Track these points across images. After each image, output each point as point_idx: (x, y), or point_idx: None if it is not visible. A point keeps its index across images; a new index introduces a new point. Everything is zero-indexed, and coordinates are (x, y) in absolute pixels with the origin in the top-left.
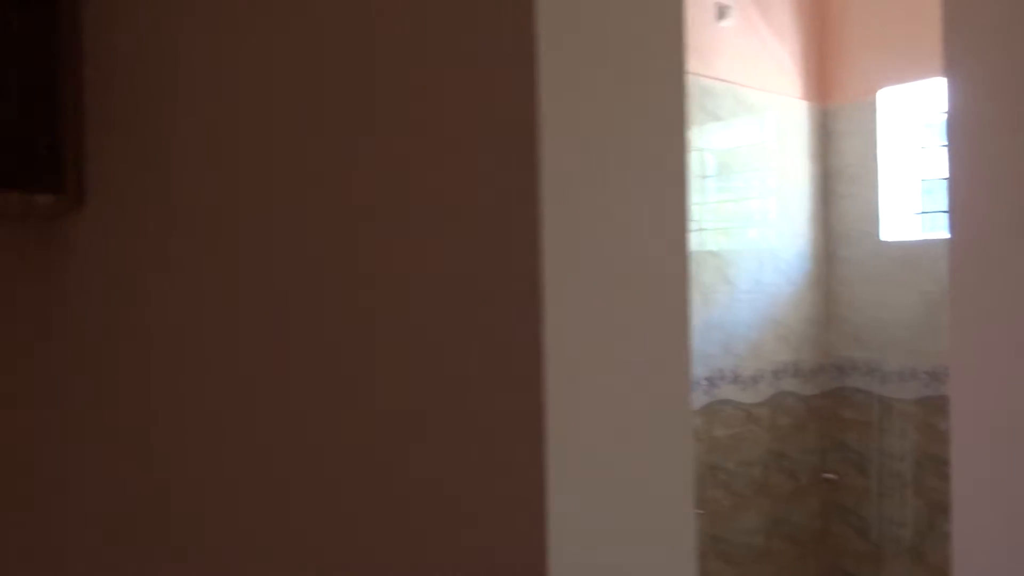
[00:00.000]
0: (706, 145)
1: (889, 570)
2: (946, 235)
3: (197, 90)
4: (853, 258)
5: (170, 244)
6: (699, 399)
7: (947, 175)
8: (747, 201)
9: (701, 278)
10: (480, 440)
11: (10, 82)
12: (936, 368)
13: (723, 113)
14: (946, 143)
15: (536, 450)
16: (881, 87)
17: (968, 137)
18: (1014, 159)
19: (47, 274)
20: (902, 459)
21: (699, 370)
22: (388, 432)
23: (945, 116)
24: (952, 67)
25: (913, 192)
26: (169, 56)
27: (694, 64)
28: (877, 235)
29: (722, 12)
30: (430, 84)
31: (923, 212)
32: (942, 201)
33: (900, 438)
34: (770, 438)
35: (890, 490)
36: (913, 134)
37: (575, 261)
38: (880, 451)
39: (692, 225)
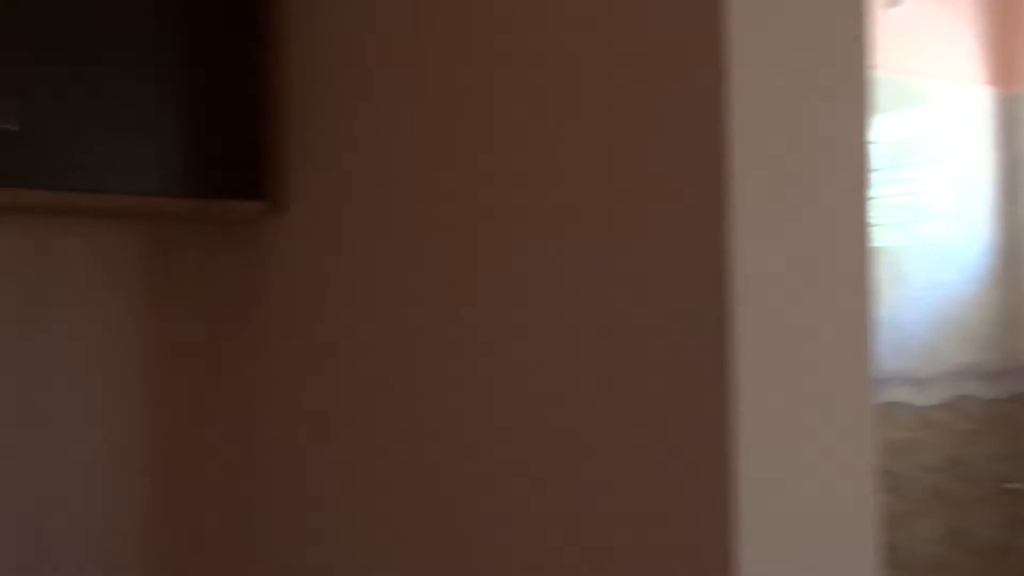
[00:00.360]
0: (876, 137)
1: None
2: None
3: (398, 97)
4: None
5: (370, 245)
6: None
7: None
8: (921, 194)
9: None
10: (671, 442)
11: (215, 95)
12: None
13: (894, 103)
14: None
15: (726, 451)
16: None
17: None
18: None
19: (250, 274)
20: None
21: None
22: (598, 433)
23: None
24: None
25: None
26: (369, 65)
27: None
28: None
29: None
30: (629, 86)
31: None
32: None
33: None
34: (948, 444)
35: None
36: None
37: (763, 260)
38: None
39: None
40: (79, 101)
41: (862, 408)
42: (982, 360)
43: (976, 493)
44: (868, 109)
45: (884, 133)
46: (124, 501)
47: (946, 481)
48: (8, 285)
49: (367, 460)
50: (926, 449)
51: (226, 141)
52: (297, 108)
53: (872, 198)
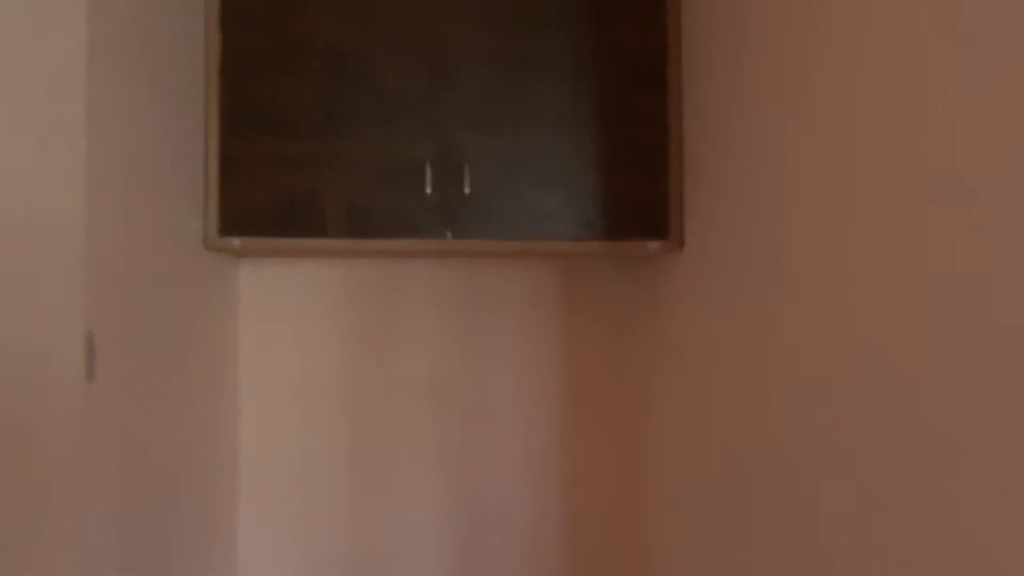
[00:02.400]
0: None
1: None
2: None
3: (786, 149)
4: None
5: (757, 279)
6: None
7: None
8: None
9: None
10: None
11: (624, 149)
12: None
13: None
14: None
15: None
16: None
17: None
18: None
19: (650, 299)
20: None
21: None
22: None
23: None
24: None
25: None
26: (762, 118)
27: None
28: None
29: None
30: None
31: None
32: None
33: None
34: None
35: None
36: None
37: None
38: None
39: None
40: (516, 166)
41: None
42: None
43: None
44: None
45: None
46: (543, 488)
47: None
48: (460, 310)
49: (749, 486)
50: None
51: (633, 189)
52: (693, 157)
53: None
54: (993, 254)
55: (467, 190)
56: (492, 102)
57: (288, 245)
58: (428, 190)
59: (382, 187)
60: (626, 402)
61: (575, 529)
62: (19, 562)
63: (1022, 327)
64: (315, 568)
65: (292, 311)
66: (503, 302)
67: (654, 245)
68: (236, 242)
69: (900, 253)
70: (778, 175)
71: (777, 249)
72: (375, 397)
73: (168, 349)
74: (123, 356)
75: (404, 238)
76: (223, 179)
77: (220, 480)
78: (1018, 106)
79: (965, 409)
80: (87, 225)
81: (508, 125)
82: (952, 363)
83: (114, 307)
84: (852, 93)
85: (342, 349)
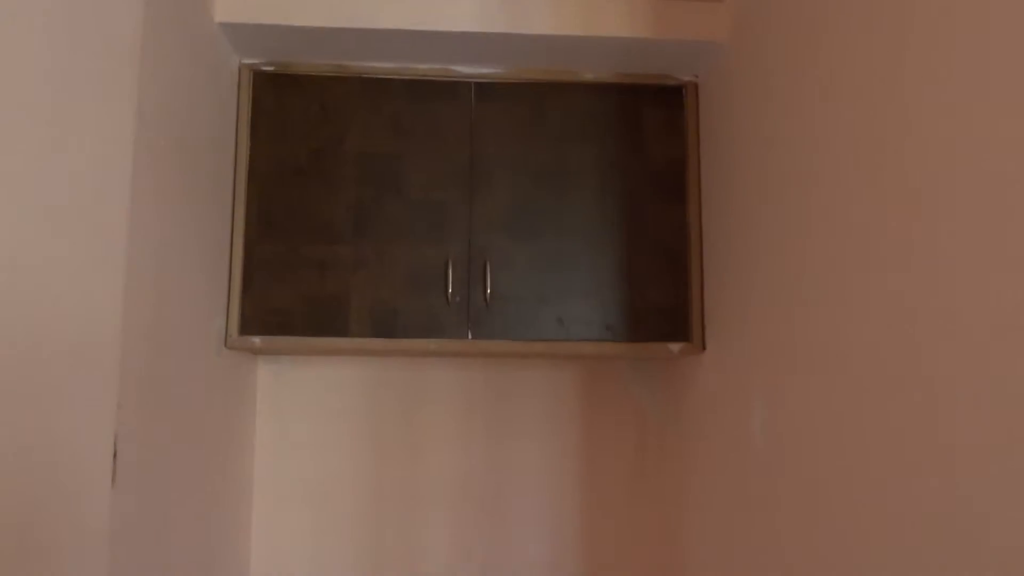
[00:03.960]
0: None
1: None
2: None
3: (798, 263)
4: None
5: (776, 384)
6: None
7: None
8: None
9: None
10: None
11: (647, 255)
12: None
13: None
14: None
15: None
16: None
17: None
18: None
19: (672, 399)
20: None
21: None
22: None
23: None
24: None
25: None
26: (773, 230)
27: None
28: None
29: None
30: None
31: None
32: None
33: None
34: None
35: None
36: None
37: None
38: None
39: None
40: (540, 270)
41: None
42: None
43: None
44: None
45: None
46: (561, 571)
47: None
48: (486, 407)
49: None
50: None
51: (655, 294)
52: (713, 263)
53: None
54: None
55: (489, 292)
56: (519, 210)
57: (307, 344)
58: (450, 291)
59: (407, 289)
60: (650, 505)
61: None
62: None
63: None
64: None
65: (310, 410)
66: (525, 406)
67: (676, 347)
68: (256, 341)
69: (916, 349)
70: (794, 278)
71: (792, 350)
72: (392, 500)
73: (187, 449)
74: (143, 459)
75: (427, 338)
76: (246, 280)
77: None
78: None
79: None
80: (122, 329)
81: (534, 232)
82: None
83: (139, 410)
84: (854, 198)
85: (359, 450)
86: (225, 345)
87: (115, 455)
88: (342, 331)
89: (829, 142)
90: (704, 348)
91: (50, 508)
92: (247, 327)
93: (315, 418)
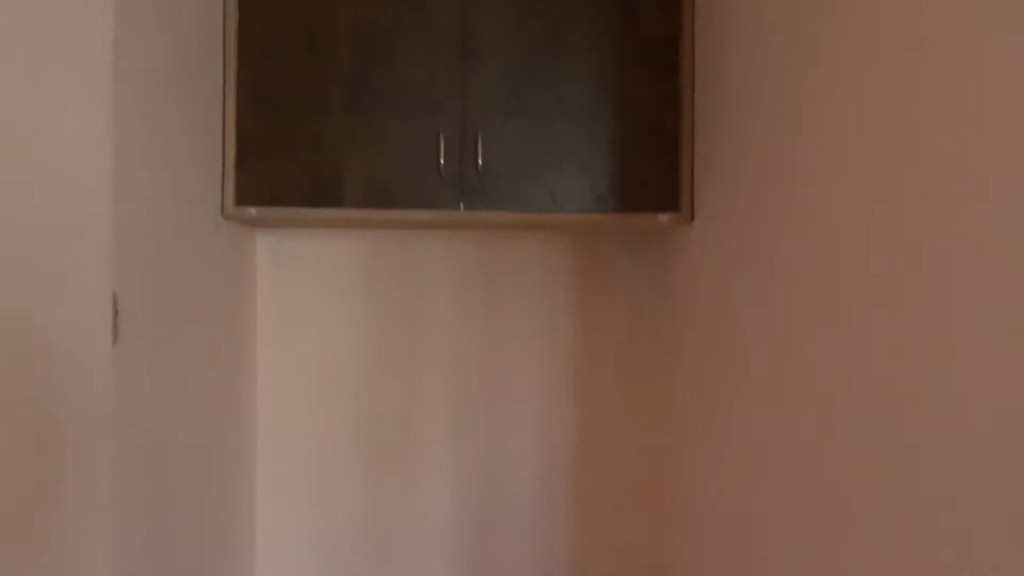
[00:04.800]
0: None
1: None
2: None
3: (788, 130)
4: None
5: (762, 250)
6: None
7: None
8: None
9: None
10: None
11: (639, 131)
12: None
13: None
14: None
15: None
16: None
17: None
18: None
19: (662, 269)
20: None
21: None
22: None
23: None
24: None
25: None
26: (765, 103)
27: None
28: None
29: None
30: None
31: None
32: None
33: None
34: None
35: None
36: None
37: None
38: None
39: None
40: (532, 144)
41: None
42: None
43: None
44: None
45: None
46: (554, 444)
47: None
48: (480, 279)
49: (766, 453)
50: None
51: (647, 168)
52: (703, 138)
53: None
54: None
55: (480, 164)
56: (511, 84)
57: (303, 215)
58: (443, 163)
59: (400, 161)
60: (642, 374)
61: (586, 506)
62: (45, 526)
63: None
64: (331, 541)
65: (308, 282)
66: (519, 277)
67: (664, 217)
68: (252, 212)
69: (900, 223)
70: (785, 153)
71: (780, 222)
72: (390, 368)
73: (188, 316)
74: (145, 320)
75: (420, 208)
76: (240, 153)
77: (240, 452)
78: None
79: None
80: (114, 197)
81: (526, 105)
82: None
83: (137, 272)
84: (849, 78)
85: (356, 318)
86: (222, 215)
87: (116, 313)
88: (337, 202)
89: (826, 24)
90: (693, 219)
91: (56, 372)
92: (243, 199)
93: (313, 289)
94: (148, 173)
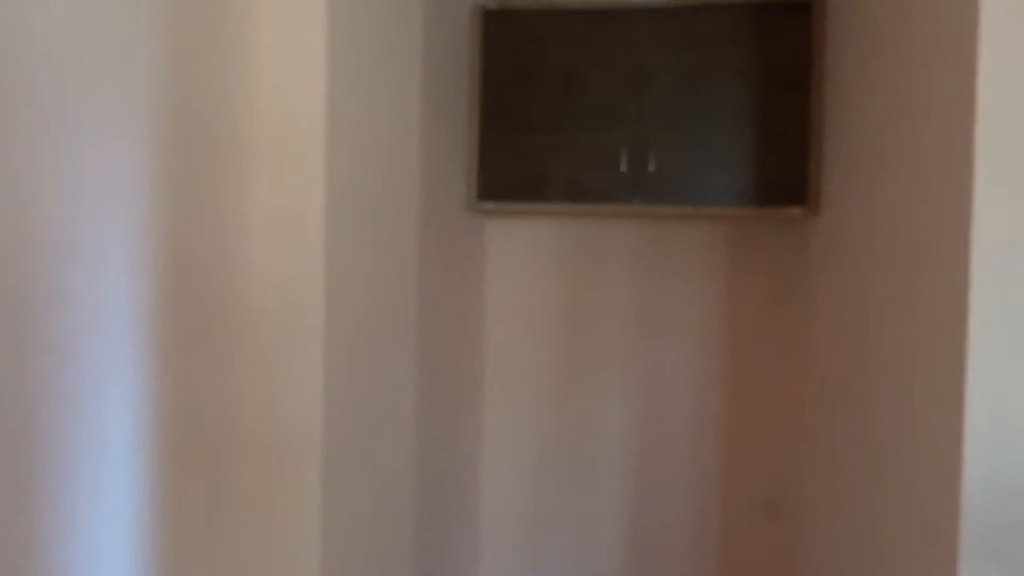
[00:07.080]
0: None
1: None
2: None
3: (898, 144)
4: None
5: (877, 239)
6: None
7: None
8: None
9: None
10: None
11: (774, 139)
12: None
13: None
14: None
15: None
16: None
17: None
18: None
19: (795, 256)
20: None
21: None
22: None
23: None
24: None
25: None
26: (879, 118)
27: None
28: None
29: None
30: None
31: None
32: None
33: None
34: None
35: None
36: None
37: None
38: None
39: None
40: (692, 153)
41: None
42: None
43: None
44: None
45: None
46: (705, 382)
47: None
48: (650, 256)
49: (864, 429)
50: None
51: (781, 170)
52: (829, 145)
53: None
54: None
55: (652, 168)
56: (674, 106)
57: (520, 208)
58: (622, 168)
59: (590, 167)
60: (779, 341)
61: (730, 424)
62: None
63: None
64: (535, 439)
65: (523, 257)
66: (680, 255)
67: (795, 211)
68: (488, 205)
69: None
70: (890, 159)
71: (872, 219)
72: (583, 319)
73: (449, 282)
74: (423, 277)
75: (605, 203)
76: (481, 161)
77: (470, 377)
78: None
79: None
80: (419, 188)
81: (686, 122)
82: None
83: (425, 239)
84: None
85: (558, 280)
86: (466, 207)
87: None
88: (544, 198)
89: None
90: (818, 213)
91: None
92: (482, 195)
93: (526, 261)
94: (435, 180)
